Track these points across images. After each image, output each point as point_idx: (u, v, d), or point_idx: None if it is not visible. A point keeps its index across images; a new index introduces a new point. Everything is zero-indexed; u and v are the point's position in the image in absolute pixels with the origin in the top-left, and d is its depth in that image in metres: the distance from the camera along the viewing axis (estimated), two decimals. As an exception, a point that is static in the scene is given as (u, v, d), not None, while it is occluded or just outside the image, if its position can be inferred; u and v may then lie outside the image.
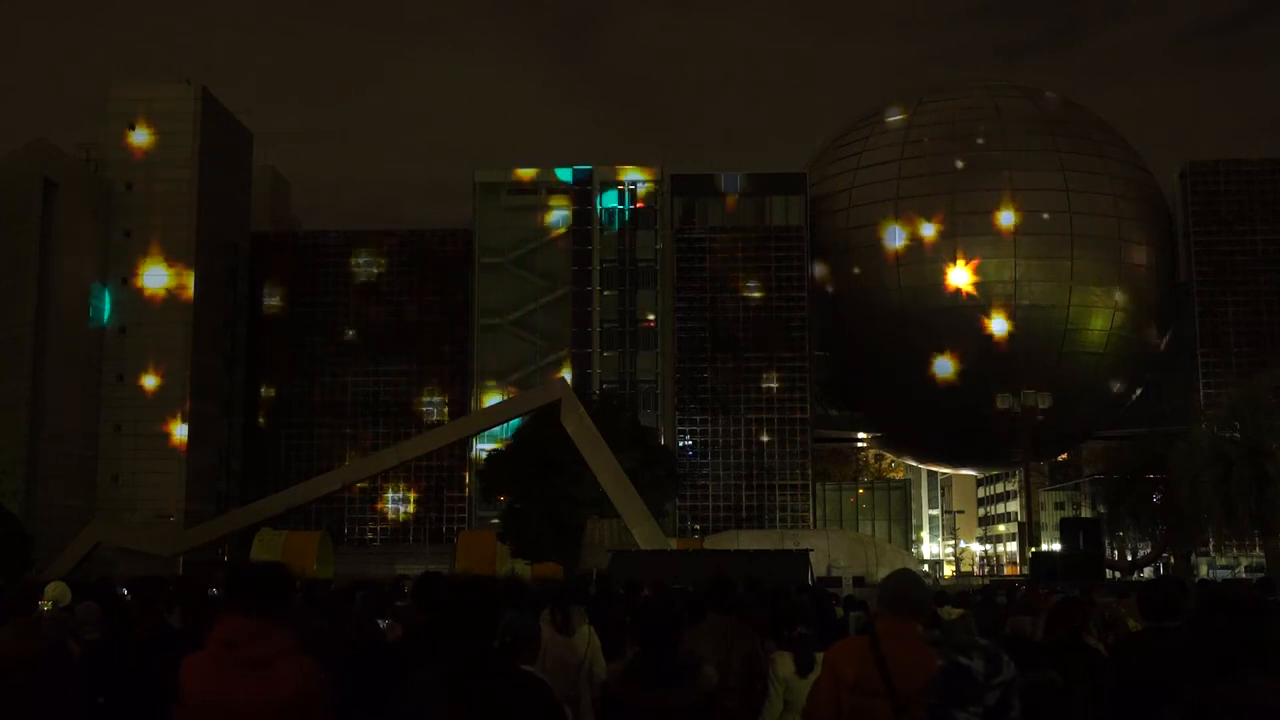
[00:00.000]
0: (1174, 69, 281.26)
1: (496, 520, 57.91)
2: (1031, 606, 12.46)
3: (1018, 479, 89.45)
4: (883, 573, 31.34)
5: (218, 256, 72.38)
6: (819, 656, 6.36)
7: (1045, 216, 72.87)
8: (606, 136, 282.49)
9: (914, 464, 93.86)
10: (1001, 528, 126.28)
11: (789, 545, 43.32)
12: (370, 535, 74.27)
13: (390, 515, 74.59)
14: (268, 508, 55.67)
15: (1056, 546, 57.24)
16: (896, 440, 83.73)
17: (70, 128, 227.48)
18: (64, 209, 65.08)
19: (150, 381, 67.88)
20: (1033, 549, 56.70)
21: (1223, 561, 66.94)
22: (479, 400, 72.60)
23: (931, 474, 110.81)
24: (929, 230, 73.42)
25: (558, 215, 76.16)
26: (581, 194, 75.55)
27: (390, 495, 74.36)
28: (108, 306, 68.98)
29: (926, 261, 73.76)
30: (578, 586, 12.85)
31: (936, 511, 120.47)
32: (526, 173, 77.25)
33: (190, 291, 69.14)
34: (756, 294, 74.52)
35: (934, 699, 4.55)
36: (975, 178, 73.85)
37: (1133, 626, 10.15)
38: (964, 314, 72.70)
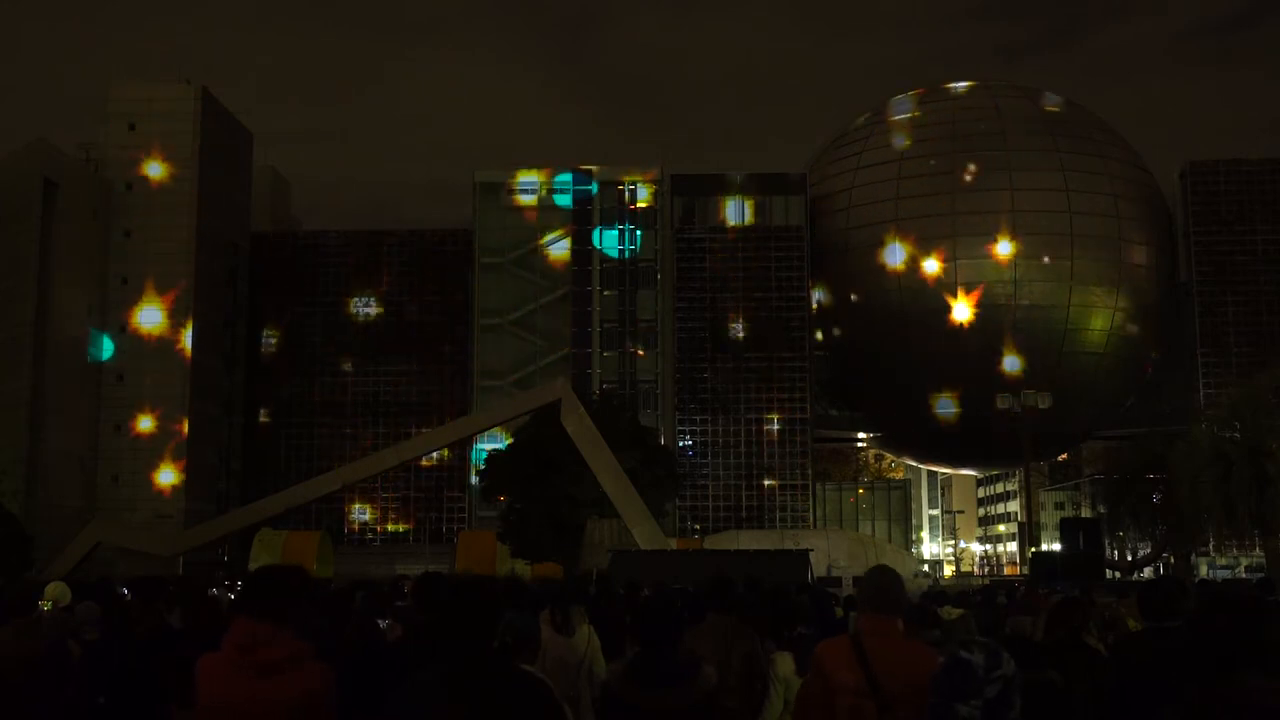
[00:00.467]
0: (1174, 69, 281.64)
1: (497, 520, 57.90)
2: (1031, 606, 12.40)
3: (1018, 479, 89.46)
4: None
5: (218, 256, 72.38)
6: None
7: (1045, 217, 72.90)
8: (606, 136, 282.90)
9: (914, 464, 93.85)
10: (1001, 528, 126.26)
11: (789, 545, 43.38)
12: (370, 535, 74.31)
13: (390, 516, 74.59)
14: (268, 508, 55.74)
15: (1056, 546, 57.17)
16: (896, 440, 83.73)
17: (70, 128, 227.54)
18: (64, 209, 65.08)
19: (150, 381, 67.89)
20: (1033, 549, 56.63)
21: (1223, 561, 66.90)
22: (479, 400, 72.61)
23: (931, 474, 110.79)
24: (929, 230, 73.37)
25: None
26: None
27: (390, 495, 74.37)
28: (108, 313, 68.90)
29: (927, 261, 73.70)
30: (578, 586, 12.82)
31: (936, 511, 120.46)
32: (528, 174, 77.15)
33: (190, 292, 69.15)
34: (756, 294, 74.58)
35: (936, 695, 4.57)
36: (975, 178, 73.86)
37: (1133, 626, 10.14)
38: (964, 314, 72.70)
